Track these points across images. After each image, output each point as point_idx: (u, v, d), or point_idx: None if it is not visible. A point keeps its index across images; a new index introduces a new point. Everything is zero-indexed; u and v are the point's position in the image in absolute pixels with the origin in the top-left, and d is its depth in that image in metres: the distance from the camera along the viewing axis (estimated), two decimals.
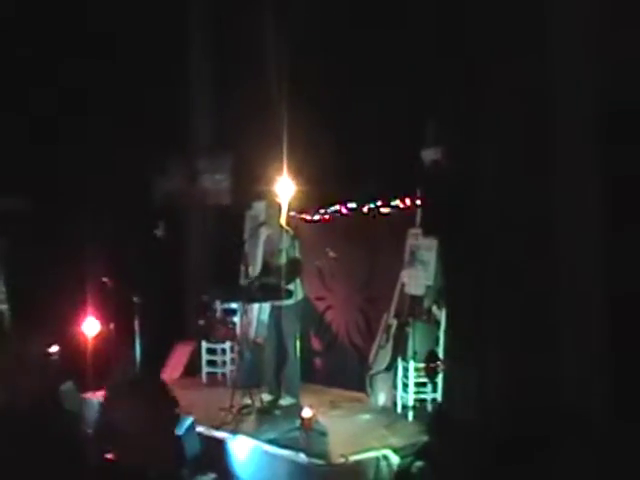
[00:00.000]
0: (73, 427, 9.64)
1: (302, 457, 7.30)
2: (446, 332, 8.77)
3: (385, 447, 7.53)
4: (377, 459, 7.36)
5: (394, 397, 8.99)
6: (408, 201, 9.68)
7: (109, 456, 8.41)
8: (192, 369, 11.34)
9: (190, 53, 12.34)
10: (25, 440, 8.95)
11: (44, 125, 11.23)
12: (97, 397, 10.14)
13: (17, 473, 7.25)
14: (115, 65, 11.40)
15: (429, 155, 9.20)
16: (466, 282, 8.57)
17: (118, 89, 11.43)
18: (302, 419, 7.87)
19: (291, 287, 8.99)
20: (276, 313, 9.25)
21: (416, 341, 8.76)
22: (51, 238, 11.31)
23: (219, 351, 10.99)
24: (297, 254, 9.17)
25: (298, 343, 9.16)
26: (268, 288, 9.06)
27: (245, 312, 9.77)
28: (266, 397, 9.19)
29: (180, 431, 7.84)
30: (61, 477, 8.21)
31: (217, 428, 8.40)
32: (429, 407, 8.80)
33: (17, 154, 11.02)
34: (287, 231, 9.31)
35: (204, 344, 10.98)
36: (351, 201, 10.38)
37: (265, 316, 9.66)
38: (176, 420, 7.92)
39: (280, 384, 9.30)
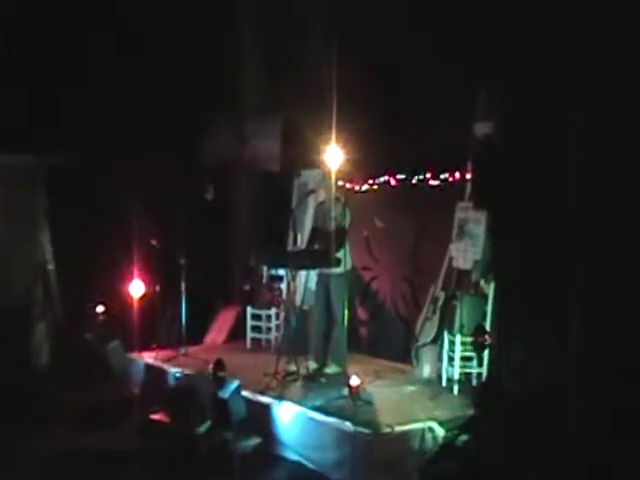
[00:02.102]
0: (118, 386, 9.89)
1: (348, 425, 7.30)
2: (494, 306, 8.74)
3: (430, 419, 7.53)
4: (422, 430, 7.36)
5: (439, 370, 8.99)
6: (457, 174, 9.61)
7: (155, 416, 8.61)
8: (236, 334, 11.44)
9: (243, 16, 12.31)
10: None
11: (96, 81, 11.25)
12: (142, 358, 10.28)
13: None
14: (170, 23, 11.37)
15: (482, 128, 9.13)
16: (516, 256, 8.52)
17: (169, 49, 11.42)
18: (350, 387, 7.88)
19: (339, 255, 8.98)
20: (324, 281, 9.24)
21: (463, 314, 8.73)
22: (99, 198, 11.37)
23: (264, 317, 11.06)
24: (347, 223, 9.15)
25: (345, 312, 9.15)
26: (317, 255, 9.07)
27: (292, 279, 9.76)
28: (312, 364, 9.23)
29: (226, 394, 7.90)
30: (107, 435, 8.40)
31: (263, 393, 8.46)
32: (474, 381, 8.79)
33: (67, 111, 11.04)
34: (338, 199, 9.28)
35: (249, 310, 11.06)
36: (400, 172, 10.34)
37: (312, 284, 9.63)
38: (222, 383, 8.05)
39: (326, 352, 9.32)
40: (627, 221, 7.63)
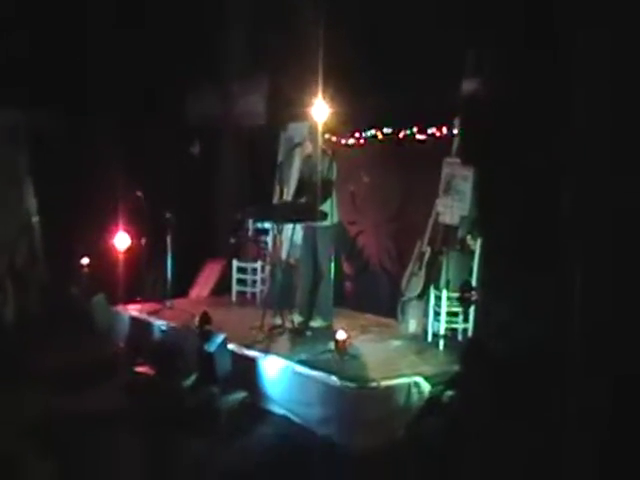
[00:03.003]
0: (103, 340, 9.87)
1: (334, 379, 7.29)
2: (480, 262, 8.75)
3: (416, 374, 7.54)
4: (408, 385, 7.36)
5: (425, 325, 8.99)
6: (445, 129, 9.57)
7: (140, 369, 8.61)
8: (222, 288, 11.42)
9: None
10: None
11: (76, 34, 11.11)
12: (127, 311, 10.26)
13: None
14: None
15: (470, 84, 9.07)
16: (503, 213, 8.51)
17: (156, 8, 11.29)
18: (336, 341, 7.89)
19: (326, 209, 8.94)
20: (311, 234, 9.21)
21: (450, 270, 8.75)
22: (83, 150, 11.29)
23: (249, 270, 11.06)
24: (333, 176, 9.09)
25: (332, 265, 9.14)
26: (303, 209, 9.03)
27: (278, 232, 9.74)
28: (297, 318, 9.21)
29: (211, 348, 7.90)
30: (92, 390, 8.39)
31: (248, 347, 8.44)
32: (460, 337, 8.82)
33: (50, 65, 10.92)
34: (325, 152, 9.22)
35: (235, 263, 11.04)
36: (387, 126, 10.29)
37: (298, 237, 9.59)
38: (208, 336, 8.05)
39: (312, 306, 9.32)
40: (621, 176, 7.63)
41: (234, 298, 11.08)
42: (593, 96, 7.34)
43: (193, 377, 7.96)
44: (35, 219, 11.61)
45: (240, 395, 7.79)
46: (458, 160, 9.19)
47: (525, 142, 8.27)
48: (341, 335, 7.89)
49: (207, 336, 8.10)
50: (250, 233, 11.05)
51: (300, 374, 7.68)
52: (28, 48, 10.73)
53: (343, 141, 10.85)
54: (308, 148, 9.37)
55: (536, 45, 8.16)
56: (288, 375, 7.83)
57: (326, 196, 8.92)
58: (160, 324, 9.58)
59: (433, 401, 7.25)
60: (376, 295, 10.26)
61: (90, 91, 11.21)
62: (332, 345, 8.00)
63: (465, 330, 8.75)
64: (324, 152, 9.19)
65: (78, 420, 7.72)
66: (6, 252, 11.25)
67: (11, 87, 10.55)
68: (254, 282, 11.07)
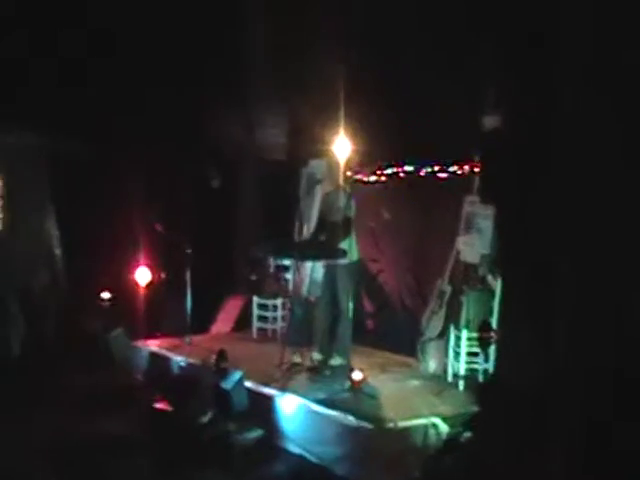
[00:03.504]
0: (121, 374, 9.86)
1: (350, 419, 7.25)
2: (501, 302, 8.68)
3: (434, 415, 7.47)
4: (426, 426, 7.30)
5: (445, 365, 8.92)
6: (466, 167, 9.57)
7: (157, 404, 8.59)
8: (242, 324, 11.40)
9: (251, 4, 12.24)
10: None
11: (98, 65, 11.17)
12: (147, 345, 10.25)
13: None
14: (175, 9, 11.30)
15: (491, 122, 9.07)
16: (524, 252, 8.47)
17: (177, 36, 11.34)
18: (352, 381, 7.85)
19: (345, 246, 8.90)
20: (331, 272, 9.16)
21: (470, 309, 8.70)
22: (106, 184, 11.32)
23: (270, 307, 11.03)
24: (353, 213, 9.08)
25: (351, 304, 9.11)
26: (322, 246, 9.02)
27: (298, 269, 9.73)
28: (316, 356, 9.17)
29: (228, 385, 7.88)
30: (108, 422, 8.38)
31: (266, 384, 8.39)
32: (480, 377, 8.73)
33: (73, 93, 10.97)
34: (345, 189, 9.22)
35: (255, 299, 11.03)
36: (408, 164, 10.29)
37: (318, 274, 9.59)
38: (224, 373, 8.03)
39: (331, 344, 9.27)
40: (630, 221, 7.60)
41: (255, 334, 11.05)
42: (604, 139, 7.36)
43: (209, 414, 7.94)
44: (57, 250, 11.65)
45: (256, 432, 7.74)
46: (478, 198, 9.17)
47: (545, 179, 8.26)
48: (357, 375, 7.85)
49: (224, 373, 8.09)
50: (271, 269, 11.04)
51: (317, 413, 7.64)
52: (52, 74, 10.79)
53: (365, 178, 10.86)
54: (328, 185, 9.36)
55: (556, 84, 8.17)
56: (305, 414, 7.79)
57: (345, 234, 8.92)
58: (178, 360, 9.57)
59: (450, 442, 7.17)
60: (396, 333, 10.16)
61: (114, 121, 11.26)
62: (349, 384, 7.94)
63: (486, 370, 8.66)
64: (343, 190, 9.18)
65: (94, 452, 7.69)
66: (28, 282, 11.28)
67: (36, 117, 10.61)
68: (274, 319, 11.02)
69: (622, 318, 7.39)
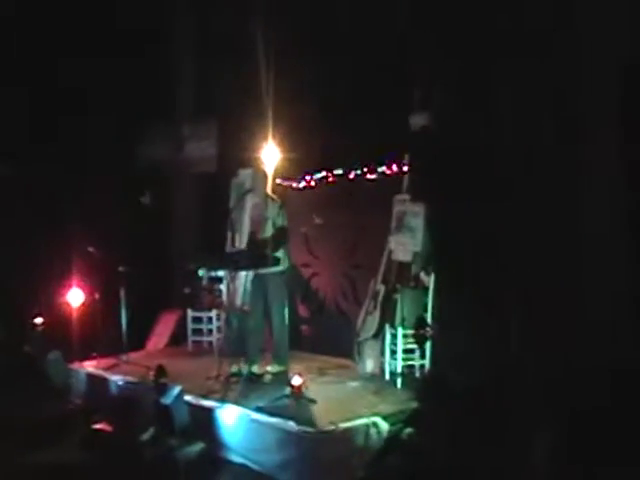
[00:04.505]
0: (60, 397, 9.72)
1: (291, 425, 7.22)
2: (434, 298, 8.74)
3: (374, 414, 7.48)
4: (367, 426, 7.30)
5: (382, 364, 8.96)
6: (395, 167, 9.60)
7: (97, 425, 8.49)
8: (178, 338, 11.34)
9: (175, 20, 12.22)
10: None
11: (28, 90, 11.07)
12: (83, 367, 10.13)
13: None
14: (102, 32, 11.23)
15: (417, 120, 9.12)
16: (455, 247, 8.54)
17: (104, 57, 11.27)
18: (292, 386, 7.82)
19: (278, 255, 8.90)
20: (262, 281, 9.12)
21: (404, 307, 8.73)
22: (34, 207, 11.20)
23: (205, 319, 10.99)
24: (284, 222, 9.08)
25: (286, 310, 9.09)
26: (255, 256, 8.98)
27: (232, 280, 9.68)
28: (253, 365, 9.12)
29: (168, 400, 7.82)
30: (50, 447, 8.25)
31: (205, 397, 8.33)
32: (417, 374, 8.79)
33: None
34: (273, 199, 9.21)
35: (190, 312, 10.98)
36: (337, 168, 10.31)
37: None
38: (163, 389, 7.96)
39: (263, 352, 9.27)
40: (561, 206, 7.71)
41: (190, 348, 10.99)
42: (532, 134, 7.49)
43: (151, 430, 7.88)
44: None
45: (198, 446, 7.69)
46: (408, 197, 9.21)
47: (473, 175, 8.34)
48: (297, 380, 7.82)
49: (163, 389, 8.02)
50: (204, 282, 10.98)
51: (257, 421, 7.60)
52: None
53: (294, 185, 10.86)
54: (257, 195, 9.32)
55: (477, 83, 8.28)
56: (246, 423, 7.73)
57: (280, 243, 8.92)
58: (116, 379, 9.45)
59: (392, 440, 7.19)
60: (333, 336, 10.19)
61: (39, 145, 11.15)
62: (289, 390, 7.92)
63: (422, 366, 8.76)
64: (272, 199, 9.17)
65: (36, 479, 7.61)
66: None
67: None
68: (210, 331, 10.98)
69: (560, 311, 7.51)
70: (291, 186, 10.84)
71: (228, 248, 9.83)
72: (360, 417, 7.43)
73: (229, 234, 9.75)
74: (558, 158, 7.70)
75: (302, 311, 10.84)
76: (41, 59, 11.11)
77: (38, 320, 10.69)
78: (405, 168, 9.38)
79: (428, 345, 8.63)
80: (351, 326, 9.62)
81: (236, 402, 8.08)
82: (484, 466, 6.38)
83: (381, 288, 9.19)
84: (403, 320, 8.68)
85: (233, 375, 8.89)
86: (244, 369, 8.98)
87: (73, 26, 11.16)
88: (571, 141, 7.67)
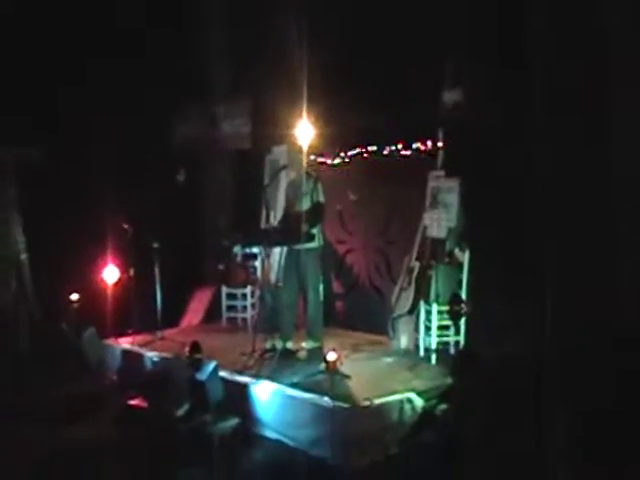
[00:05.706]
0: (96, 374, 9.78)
1: (326, 400, 7.24)
2: (469, 274, 8.69)
3: (409, 390, 7.51)
4: (401, 402, 7.34)
5: (416, 340, 8.96)
6: (429, 143, 9.54)
7: (133, 402, 8.54)
8: (212, 315, 11.38)
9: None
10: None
11: (59, 69, 11.07)
12: (119, 344, 10.18)
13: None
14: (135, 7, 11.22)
15: (452, 96, 9.05)
16: (490, 224, 8.47)
17: (137, 32, 11.25)
18: (326, 362, 7.80)
19: (314, 231, 8.90)
20: (296, 257, 9.11)
21: (439, 284, 8.70)
22: (69, 185, 11.23)
23: (239, 296, 11.03)
24: (321, 198, 9.06)
25: (320, 287, 9.08)
26: (289, 232, 8.97)
27: (266, 256, 9.67)
28: (287, 341, 9.14)
29: (203, 376, 7.83)
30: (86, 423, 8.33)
31: (240, 372, 8.39)
32: (451, 350, 8.76)
33: (35, 100, 10.88)
34: (309, 174, 9.18)
35: (224, 289, 11.01)
36: (372, 144, 10.26)
37: None
38: (198, 365, 7.98)
39: (297, 328, 9.29)
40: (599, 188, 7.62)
41: (225, 324, 11.05)
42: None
43: (186, 406, 7.89)
44: (24, 256, 11.53)
45: (233, 421, 7.72)
46: (443, 173, 9.15)
47: (507, 153, 8.26)
48: (331, 356, 7.79)
49: (198, 365, 8.03)
50: (238, 258, 10.99)
51: (292, 397, 7.65)
52: (14, 81, 10.71)
53: (329, 161, 10.82)
54: (292, 172, 9.32)
55: (512, 59, 8.18)
56: (280, 399, 7.79)
57: (318, 219, 8.93)
58: (151, 355, 9.51)
59: (426, 416, 7.17)
60: (367, 312, 10.20)
61: (74, 123, 11.16)
62: (323, 366, 7.91)
63: (457, 343, 8.73)
64: (308, 175, 9.15)
65: (72, 454, 7.66)
66: None
67: None
68: (244, 307, 11.02)
69: (599, 287, 7.43)
70: (325, 162, 10.80)
71: (263, 224, 9.83)
72: (394, 393, 7.46)
73: (264, 211, 9.75)
74: (591, 133, 7.60)
75: (336, 287, 10.83)
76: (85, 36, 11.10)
77: (74, 297, 10.73)
78: (440, 144, 9.30)
79: (462, 321, 8.60)
80: (385, 302, 9.63)
81: (271, 378, 8.13)
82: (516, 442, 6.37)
83: (415, 264, 9.15)
84: (437, 296, 8.66)
85: (268, 351, 8.94)
86: (278, 345, 9.02)
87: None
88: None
